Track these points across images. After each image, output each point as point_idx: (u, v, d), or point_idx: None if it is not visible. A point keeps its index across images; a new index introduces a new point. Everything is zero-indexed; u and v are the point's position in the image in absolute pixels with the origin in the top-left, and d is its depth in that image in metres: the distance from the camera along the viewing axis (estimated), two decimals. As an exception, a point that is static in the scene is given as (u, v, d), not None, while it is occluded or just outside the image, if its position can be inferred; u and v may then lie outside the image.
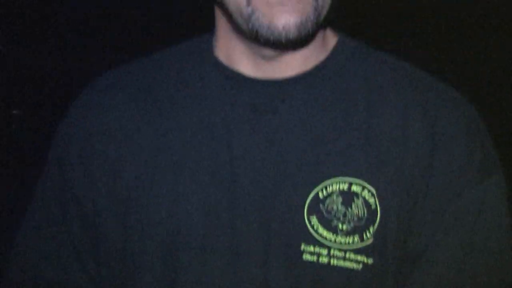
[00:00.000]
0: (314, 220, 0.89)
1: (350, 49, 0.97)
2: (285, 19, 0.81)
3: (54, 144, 1.00)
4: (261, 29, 0.83)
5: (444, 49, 4.45)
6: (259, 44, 0.89)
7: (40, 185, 1.01)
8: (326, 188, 0.90)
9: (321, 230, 0.89)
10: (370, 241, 0.89)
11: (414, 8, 4.50)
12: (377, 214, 0.90)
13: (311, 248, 0.89)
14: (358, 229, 0.89)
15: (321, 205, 0.89)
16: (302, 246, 0.89)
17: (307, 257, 0.89)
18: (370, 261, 0.89)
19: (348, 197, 0.90)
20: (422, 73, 0.97)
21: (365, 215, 0.90)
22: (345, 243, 0.89)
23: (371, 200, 0.90)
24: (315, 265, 0.89)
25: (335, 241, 0.89)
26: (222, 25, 0.95)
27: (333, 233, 0.89)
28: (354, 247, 0.89)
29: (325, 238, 0.89)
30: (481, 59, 4.50)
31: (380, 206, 0.90)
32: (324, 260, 0.89)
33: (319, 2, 0.84)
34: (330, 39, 0.97)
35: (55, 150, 1.00)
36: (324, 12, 0.87)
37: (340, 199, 0.90)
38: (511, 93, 4.56)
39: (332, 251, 0.89)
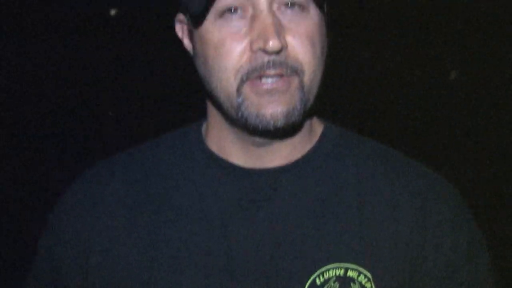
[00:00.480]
0: None
1: (336, 137, 1.01)
2: (272, 109, 0.87)
3: (45, 235, 1.00)
4: (250, 118, 0.88)
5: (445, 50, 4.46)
6: (248, 133, 0.92)
7: (30, 277, 1.00)
8: (323, 274, 0.92)
9: None
10: None
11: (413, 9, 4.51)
12: None
13: None
14: None
15: None
16: None
17: None
18: None
19: (345, 282, 0.92)
20: (407, 158, 1.02)
21: None
22: None
23: (368, 285, 0.92)
24: None
25: None
26: (213, 115, 0.98)
27: None
28: None
29: None
30: (481, 60, 4.51)
31: None
32: None
33: (305, 93, 0.89)
34: (316, 128, 1.01)
35: (45, 241, 1.00)
36: (311, 101, 0.92)
37: (337, 285, 0.92)
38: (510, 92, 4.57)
39: None
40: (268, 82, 0.87)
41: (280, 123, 0.87)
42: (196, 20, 0.91)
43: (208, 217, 0.94)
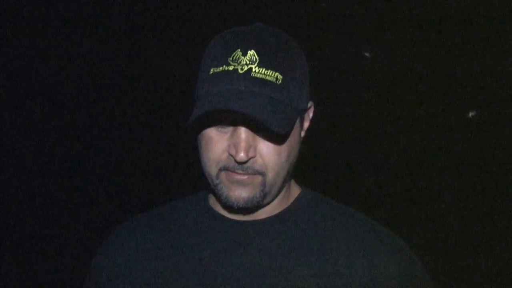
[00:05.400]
0: None
1: (308, 199, 1.30)
2: (236, 195, 1.15)
3: (90, 268, 1.35)
4: (222, 196, 1.17)
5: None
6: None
7: None
8: None
9: None
10: None
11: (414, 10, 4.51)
12: None
13: None
14: None
15: None
16: None
17: None
18: None
19: None
20: (367, 219, 1.27)
21: None
22: None
23: None
24: None
25: None
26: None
27: None
28: None
29: None
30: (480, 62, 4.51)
31: None
32: None
33: (266, 187, 1.16)
34: (294, 191, 1.31)
35: (88, 274, 1.34)
36: (274, 190, 1.19)
37: None
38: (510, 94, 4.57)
39: None
40: (237, 174, 1.14)
41: (241, 205, 1.15)
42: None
43: (203, 255, 1.22)
